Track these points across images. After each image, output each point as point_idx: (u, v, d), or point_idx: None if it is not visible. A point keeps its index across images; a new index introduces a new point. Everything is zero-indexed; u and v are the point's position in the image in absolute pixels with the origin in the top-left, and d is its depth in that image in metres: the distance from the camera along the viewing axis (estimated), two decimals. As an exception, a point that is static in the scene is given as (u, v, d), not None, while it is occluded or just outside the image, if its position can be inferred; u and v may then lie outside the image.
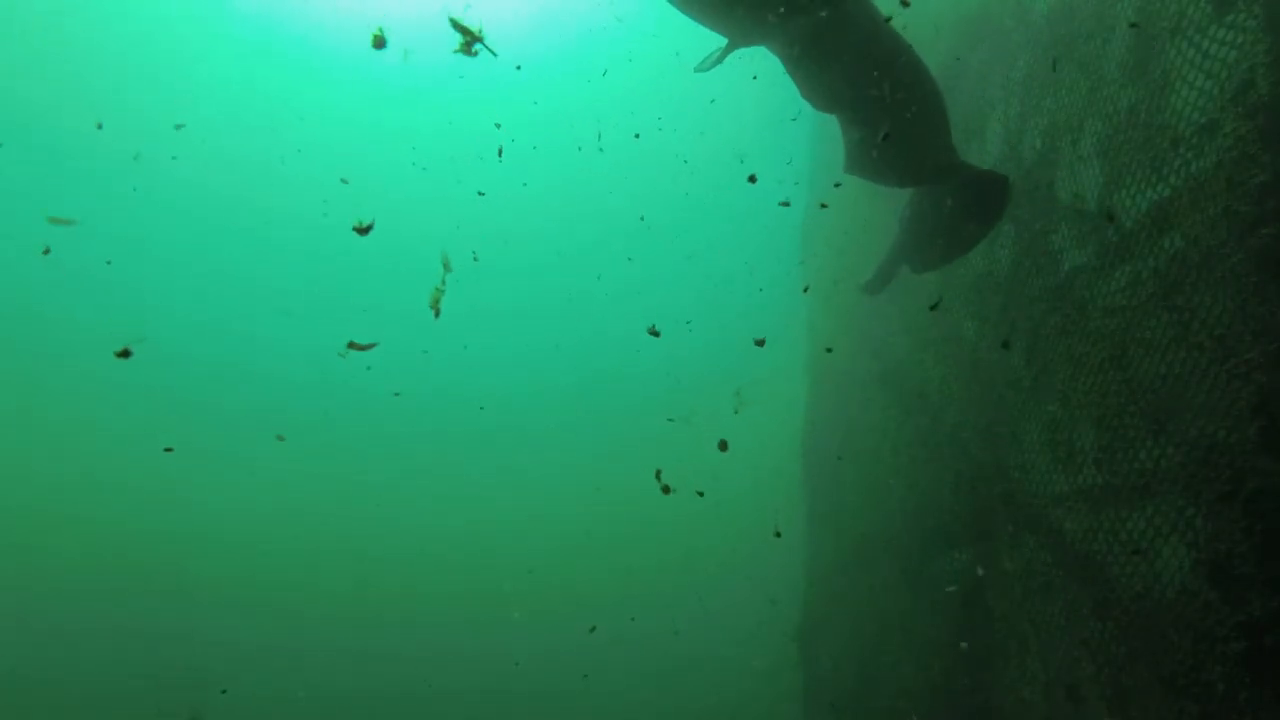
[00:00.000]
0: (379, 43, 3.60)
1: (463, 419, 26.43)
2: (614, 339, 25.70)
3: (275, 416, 25.85)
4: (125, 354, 3.35)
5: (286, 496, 24.11)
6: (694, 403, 25.69)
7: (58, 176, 21.58)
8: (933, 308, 4.46)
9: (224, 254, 24.50)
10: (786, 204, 6.02)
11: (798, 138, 9.76)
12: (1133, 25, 3.04)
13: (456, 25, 3.26)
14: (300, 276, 25.15)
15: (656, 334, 4.37)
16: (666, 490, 3.73)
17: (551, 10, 17.28)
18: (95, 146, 20.83)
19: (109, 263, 22.30)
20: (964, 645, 3.95)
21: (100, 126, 20.11)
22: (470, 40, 3.26)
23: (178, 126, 18.62)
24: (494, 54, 3.38)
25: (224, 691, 15.63)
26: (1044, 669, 3.21)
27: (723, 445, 3.65)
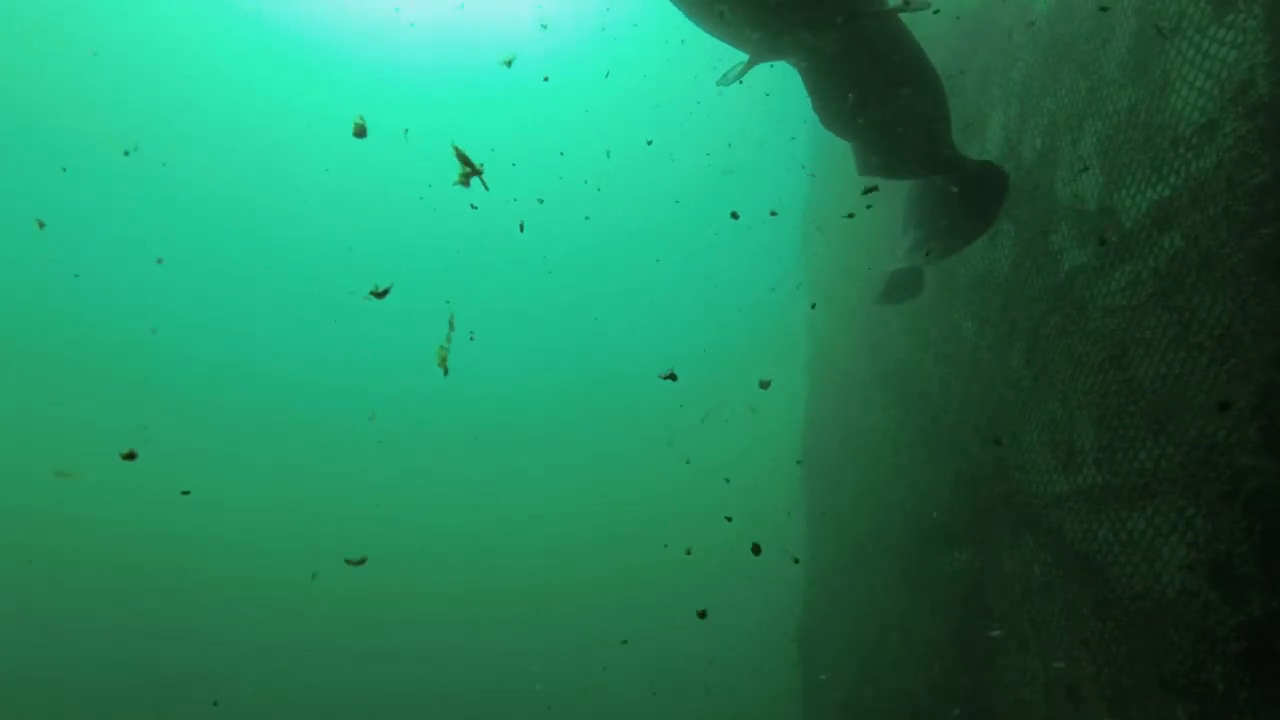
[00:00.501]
0: (360, 131, 3.51)
1: (464, 419, 26.47)
2: (615, 339, 25.73)
3: (277, 417, 25.87)
4: (131, 456, 3.30)
5: (287, 496, 24.14)
6: (695, 400, 25.72)
7: (58, 176, 21.61)
8: (926, 256, 4.43)
9: (226, 254, 24.52)
10: (852, 216, 5.93)
11: (799, 136, 9.77)
12: (1103, 9, 3.05)
13: (459, 155, 3.24)
14: (302, 276, 25.18)
15: (674, 377, 4.36)
16: (689, 551, 3.82)
17: (560, 11, 17.28)
18: (96, 146, 20.86)
19: (76, 276, 22.32)
20: (990, 634, 3.95)
21: (128, 154, 20.15)
22: (469, 173, 3.23)
23: (126, 152, 18.71)
24: (486, 188, 3.37)
25: (215, 703, 15.65)
26: (1044, 669, 3.21)
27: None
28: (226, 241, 24.43)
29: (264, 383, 26.15)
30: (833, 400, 7.86)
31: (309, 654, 18.71)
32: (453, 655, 19.45)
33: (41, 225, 16.56)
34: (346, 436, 25.82)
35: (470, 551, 24.09)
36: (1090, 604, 2.88)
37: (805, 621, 8.31)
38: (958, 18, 4.62)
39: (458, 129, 22.24)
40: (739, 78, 4.02)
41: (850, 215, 4.25)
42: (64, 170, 20.10)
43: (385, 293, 3.42)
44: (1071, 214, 3.27)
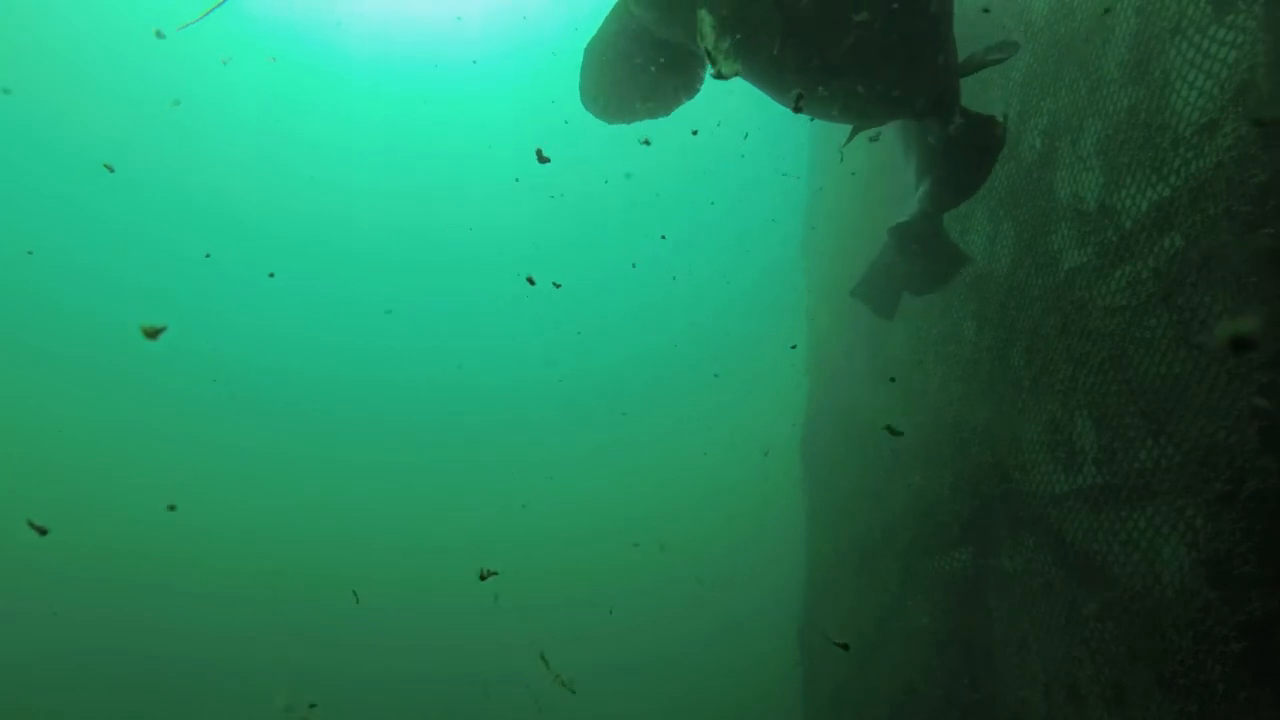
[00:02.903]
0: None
1: (468, 410, 26.56)
2: (618, 332, 25.76)
3: (284, 412, 25.94)
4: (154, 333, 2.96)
5: (293, 491, 24.19)
6: (696, 396, 25.72)
7: (61, 175, 21.64)
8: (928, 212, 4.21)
9: (234, 250, 24.51)
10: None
11: (798, 140, 9.76)
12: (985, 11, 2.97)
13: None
14: (309, 272, 25.19)
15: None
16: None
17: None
18: (99, 145, 20.88)
19: (29, 250, 22.19)
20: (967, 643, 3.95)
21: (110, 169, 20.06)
22: None
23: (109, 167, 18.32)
24: None
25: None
26: (1044, 669, 3.22)
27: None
28: (235, 238, 24.44)
29: (263, 376, 26.20)
30: (832, 399, 7.87)
31: (305, 645, 18.74)
32: (446, 645, 19.51)
33: (111, 169, 16.25)
34: (344, 428, 25.91)
35: (465, 542, 24.16)
36: (1090, 604, 2.88)
37: (805, 619, 8.32)
38: (958, 18, 4.61)
39: (455, 125, 22.28)
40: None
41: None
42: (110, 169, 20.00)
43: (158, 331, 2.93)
44: (1071, 214, 3.27)
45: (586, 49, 3.80)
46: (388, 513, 24.53)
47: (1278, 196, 2.16)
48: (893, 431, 3.86)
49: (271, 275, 23.45)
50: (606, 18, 3.70)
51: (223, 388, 24.78)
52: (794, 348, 7.29)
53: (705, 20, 2.78)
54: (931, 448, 4.67)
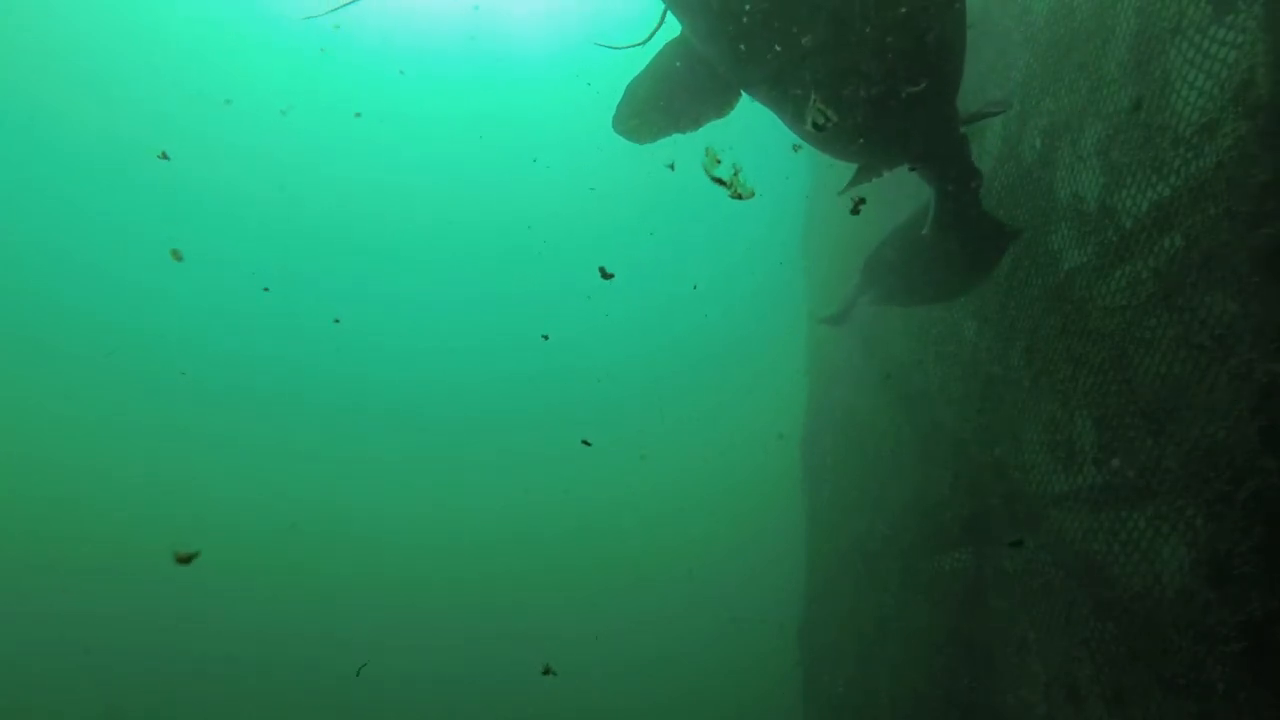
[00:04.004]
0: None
1: (468, 409, 26.56)
2: (617, 330, 25.80)
3: (285, 407, 25.98)
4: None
5: (294, 489, 24.22)
6: (696, 396, 25.72)
7: (61, 175, 21.66)
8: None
9: (235, 250, 24.51)
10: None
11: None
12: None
13: None
14: (310, 268, 25.21)
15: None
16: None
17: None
18: (100, 144, 20.89)
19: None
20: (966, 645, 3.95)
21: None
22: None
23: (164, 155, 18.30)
24: None
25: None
26: (1044, 669, 3.22)
27: None
28: (228, 235, 24.44)
29: (273, 373, 26.21)
30: (831, 400, 7.87)
31: (305, 644, 18.76)
32: (446, 645, 19.53)
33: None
34: (347, 427, 25.93)
35: (467, 541, 24.18)
36: (1090, 604, 2.88)
37: (805, 619, 8.32)
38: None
39: (455, 121, 22.27)
40: (854, 183, 4.03)
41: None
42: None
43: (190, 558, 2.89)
44: (1071, 214, 3.27)
45: (631, 85, 3.86)
46: (388, 511, 24.56)
47: (1278, 196, 2.16)
48: (1015, 544, 3.87)
49: (337, 321, 23.66)
50: (661, 53, 3.73)
51: (224, 385, 24.82)
52: (888, 378, 7.20)
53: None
54: (931, 448, 4.67)
